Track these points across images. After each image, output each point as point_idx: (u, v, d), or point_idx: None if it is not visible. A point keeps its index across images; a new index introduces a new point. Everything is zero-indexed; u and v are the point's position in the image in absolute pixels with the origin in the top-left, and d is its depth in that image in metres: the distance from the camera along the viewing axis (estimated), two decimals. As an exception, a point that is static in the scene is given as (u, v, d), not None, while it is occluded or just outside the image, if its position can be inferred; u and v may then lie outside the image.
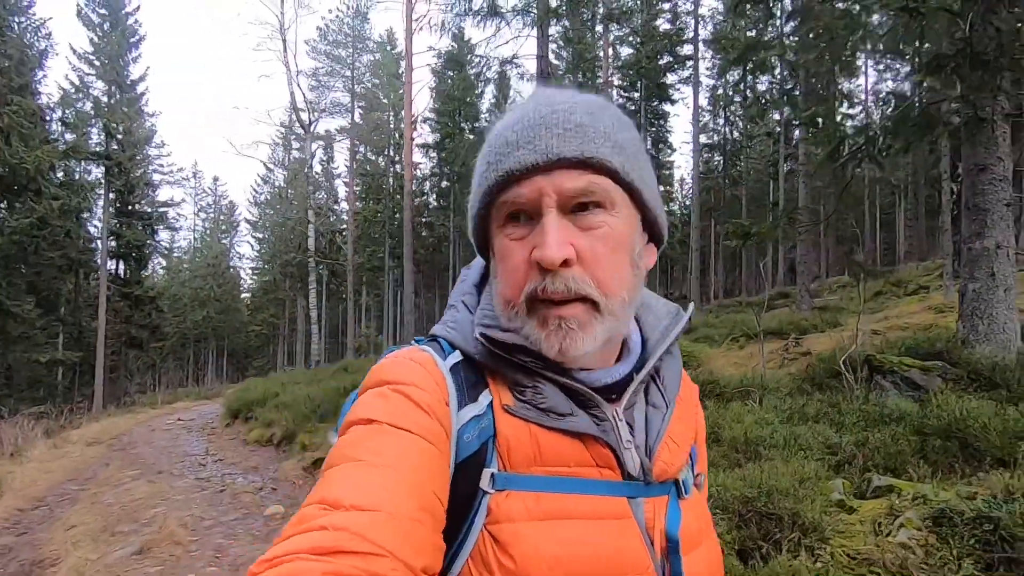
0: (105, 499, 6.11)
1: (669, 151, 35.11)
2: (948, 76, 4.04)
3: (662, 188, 33.95)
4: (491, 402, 0.57)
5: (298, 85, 22.22)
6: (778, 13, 13.21)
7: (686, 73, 24.10)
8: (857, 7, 4.81)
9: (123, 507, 5.71)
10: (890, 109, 5.67)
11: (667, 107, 29.40)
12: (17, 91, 17.93)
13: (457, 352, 0.60)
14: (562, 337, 0.54)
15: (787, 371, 6.67)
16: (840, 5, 6.21)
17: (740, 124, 32.87)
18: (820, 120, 6.53)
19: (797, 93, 14.17)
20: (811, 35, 5.79)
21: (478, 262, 0.69)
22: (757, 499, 2.94)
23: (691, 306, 0.71)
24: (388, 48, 31.02)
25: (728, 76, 28.51)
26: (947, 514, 2.54)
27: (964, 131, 4.74)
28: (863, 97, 24.95)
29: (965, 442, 3.41)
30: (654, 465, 0.59)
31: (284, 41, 21.45)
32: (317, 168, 32.79)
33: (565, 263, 0.53)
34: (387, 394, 0.54)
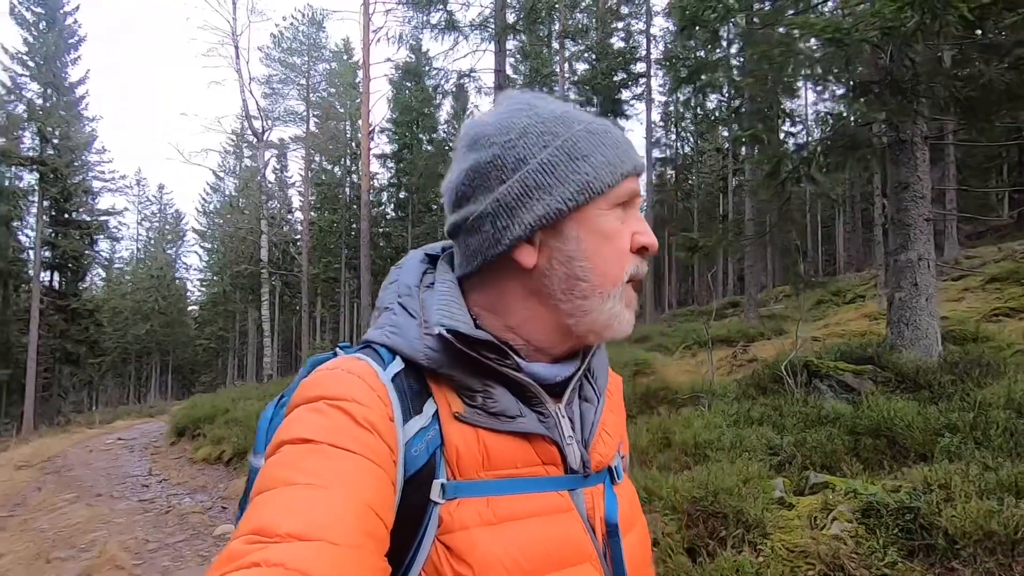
0: (38, 525, 5.75)
1: (624, 165, 35.96)
2: (873, 101, 4.40)
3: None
4: (436, 411, 0.56)
5: (251, 92, 21.63)
6: (724, 35, 13.90)
7: (639, 90, 24.89)
8: (797, 32, 5.16)
9: (58, 533, 5.39)
10: (828, 129, 6.06)
11: (622, 122, 30.22)
12: (-59, 91, 16.83)
13: (397, 360, 0.58)
14: (631, 317, 0.62)
15: (735, 377, 6.96)
16: (781, 30, 6.60)
17: (691, 140, 34.13)
18: (764, 138, 6.90)
19: (743, 111, 14.89)
20: (754, 58, 6.13)
21: (411, 261, 0.67)
22: (704, 499, 3.08)
23: None
24: (344, 57, 30.71)
25: (679, 94, 29.63)
26: (874, 507, 2.74)
27: (888, 152, 5.14)
28: (804, 115, 26.37)
29: (893, 440, 3.68)
30: (591, 457, 0.62)
31: (236, 47, 20.92)
32: (270, 177, 31.98)
33: None
34: (324, 410, 0.52)
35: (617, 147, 0.60)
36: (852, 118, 5.71)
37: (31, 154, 21.87)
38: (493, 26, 10.29)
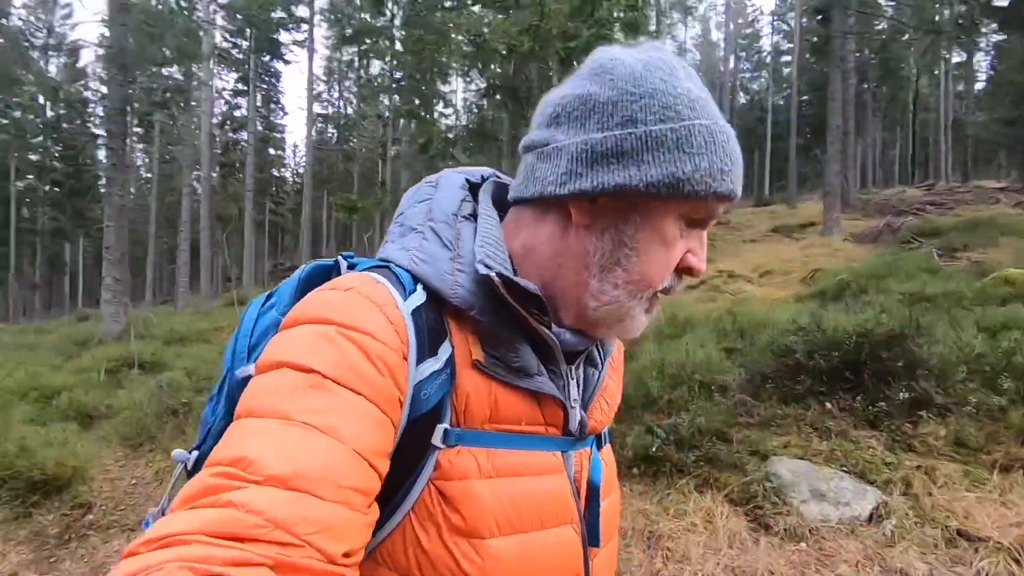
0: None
1: (282, 113, 33.42)
2: (499, 102, 5.35)
3: (274, 153, 32.04)
4: (450, 355, 0.53)
5: None
6: (389, 4, 14.19)
7: (301, 36, 23.33)
8: (452, 25, 5.75)
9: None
10: (472, 117, 7.00)
11: (279, 65, 27.88)
12: None
13: (419, 291, 0.54)
14: (647, 322, 0.59)
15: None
16: (439, 15, 7.22)
17: (354, 102, 33.97)
18: (420, 114, 7.50)
19: (403, 85, 15.64)
20: (412, 39, 6.58)
21: (450, 183, 0.62)
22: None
23: None
24: None
25: (342, 52, 28.96)
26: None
27: (509, 148, 6.32)
28: (455, 101, 29.42)
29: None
30: (588, 421, 0.61)
31: None
32: None
33: None
34: (335, 339, 0.47)
35: (725, 162, 0.53)
36: (489, 112, 6.77)
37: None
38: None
